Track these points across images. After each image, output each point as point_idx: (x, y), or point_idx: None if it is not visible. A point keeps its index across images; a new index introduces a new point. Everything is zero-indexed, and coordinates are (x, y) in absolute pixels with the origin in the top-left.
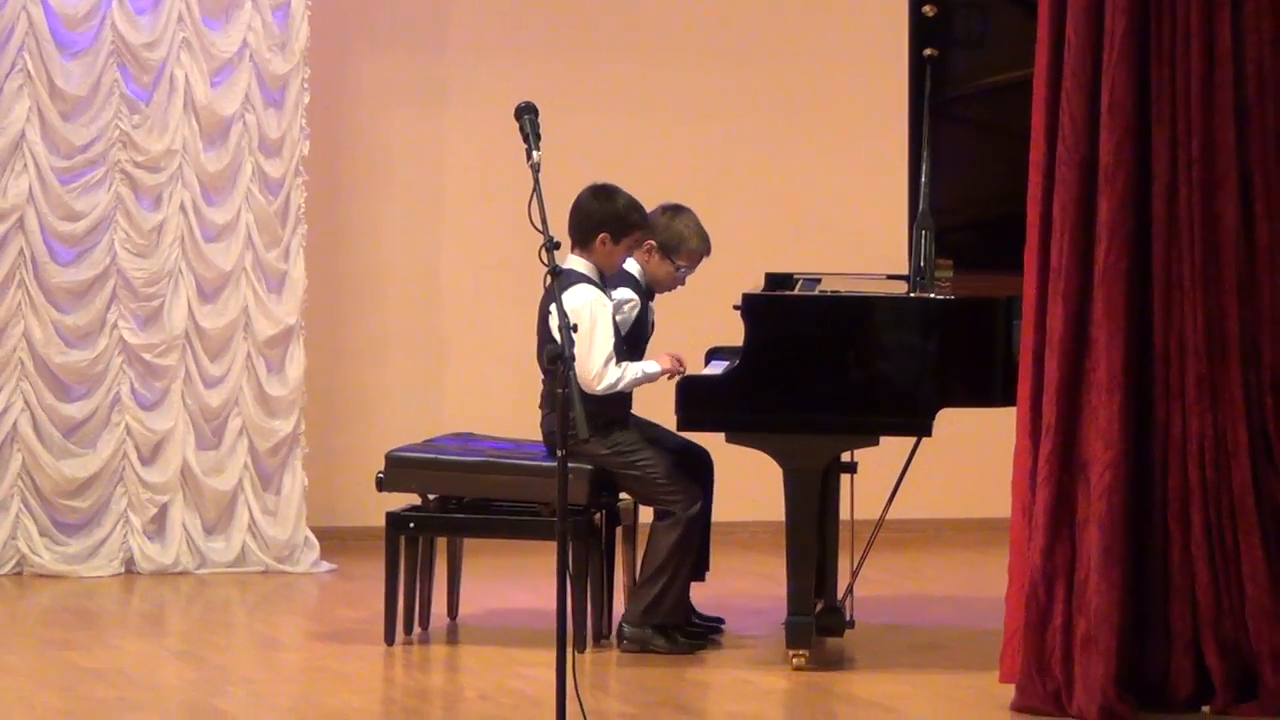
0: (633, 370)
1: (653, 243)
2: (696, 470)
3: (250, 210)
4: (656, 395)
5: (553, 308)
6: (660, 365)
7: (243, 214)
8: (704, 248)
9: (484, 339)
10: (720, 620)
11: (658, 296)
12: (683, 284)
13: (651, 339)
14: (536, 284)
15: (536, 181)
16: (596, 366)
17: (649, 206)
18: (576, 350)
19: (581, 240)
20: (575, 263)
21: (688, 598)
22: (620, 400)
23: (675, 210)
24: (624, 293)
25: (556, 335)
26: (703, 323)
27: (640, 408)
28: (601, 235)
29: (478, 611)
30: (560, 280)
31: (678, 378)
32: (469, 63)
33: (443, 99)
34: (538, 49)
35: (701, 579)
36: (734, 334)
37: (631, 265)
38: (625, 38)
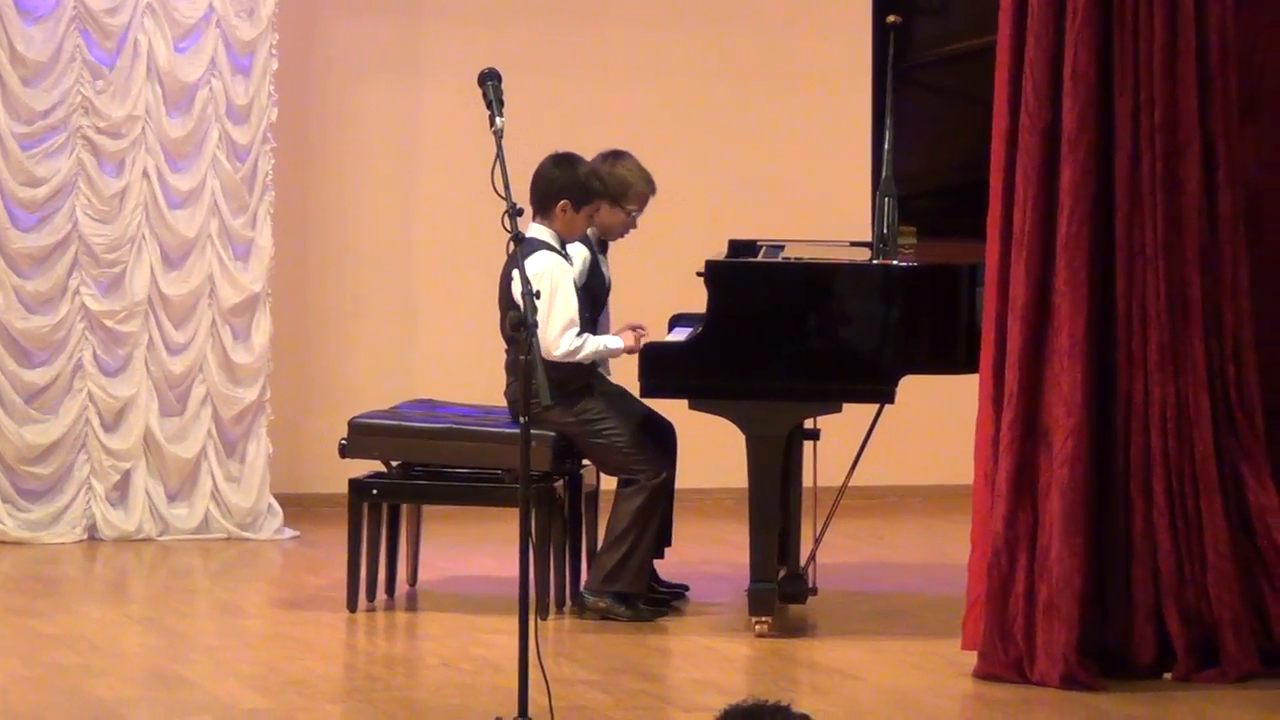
0: (593, 342)
1: (565, 202)
2: (663, 442)
3: (216, 177)
4: (621, 360)
5: (515, 274)
6: (623, 341)
7: (208, 180)
8: (650, 188)
9: (453, 307)
10: (684, 587)
11: (613, 249)
12: (635, 227)
13: (611, 296)
14: (500, 251)
15: (500, 148)
16: (555, 333)
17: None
18: (538, 316)
19: (542, 208)
20: (537, 230)
21: (649, 566)
22: (587, 368)
23: (615, 156)
24: (573, 248)
25: (519, 301)
26: (666, 289)
27: (618, 376)
28: (562, 203)
29: (440, 578)
30: (522, 248)
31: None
32: (440, 29)
33: (413, 65)
34: (508, 15)
35: (660, 555)
36: (697, 301)
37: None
38: (595, 3)
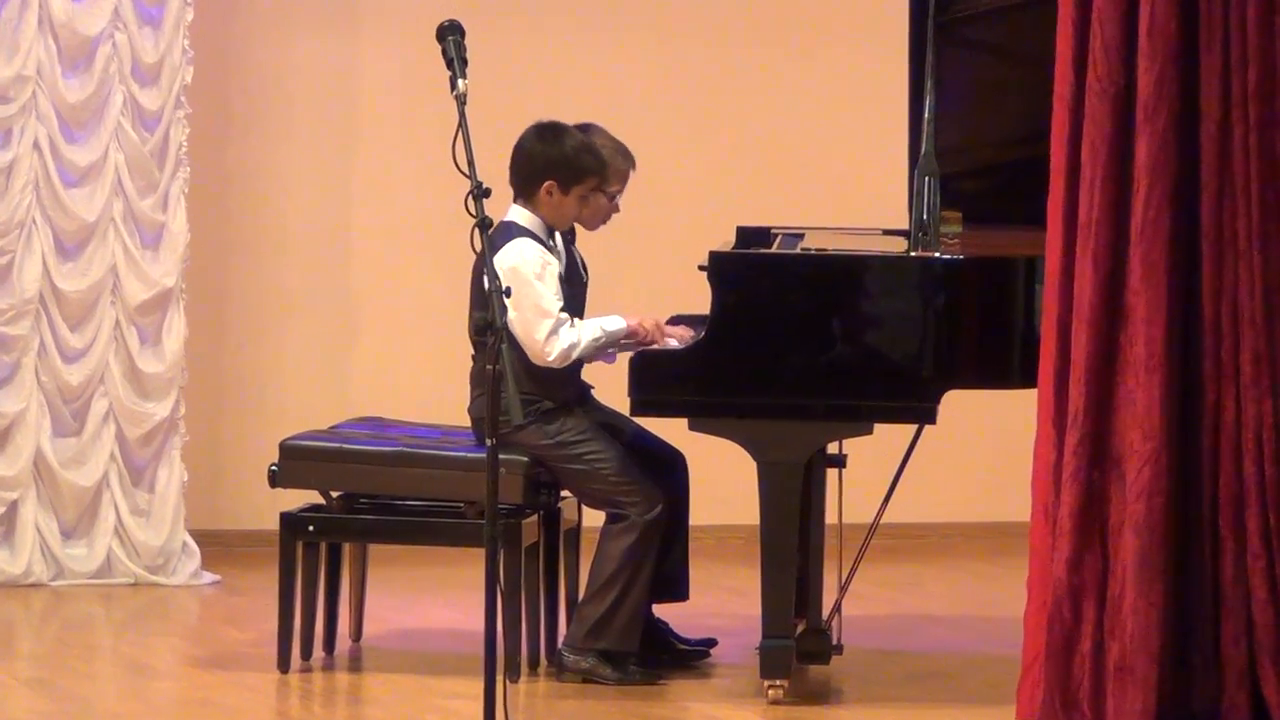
0: (589, 330)
1: (551, 183)
2: (660, 469)
3: (121, 149)
4: (612, 375)
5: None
6: (626, 322)
7: (111, 153)
8: (630, 163)
9: (403, 306)
10: (710, 642)
11: (592, 236)
12: (618, 210)
13: (591, 292)
14: (466, 240)
15: (462, 115)
16: (543, 333)
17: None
18: (518, 316)
19: (524, 189)
20: (517, 214)
21: (643, 619)
22: (566, 380)
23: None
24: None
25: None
26: (662, 286)
27: (602, 391)
28: (547, 183)
29: (389, 632)
30: (496, 235)
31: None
32: None
33: (354, 18)
34: None
35: (684, 597)
36: (700, 300)
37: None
38: None
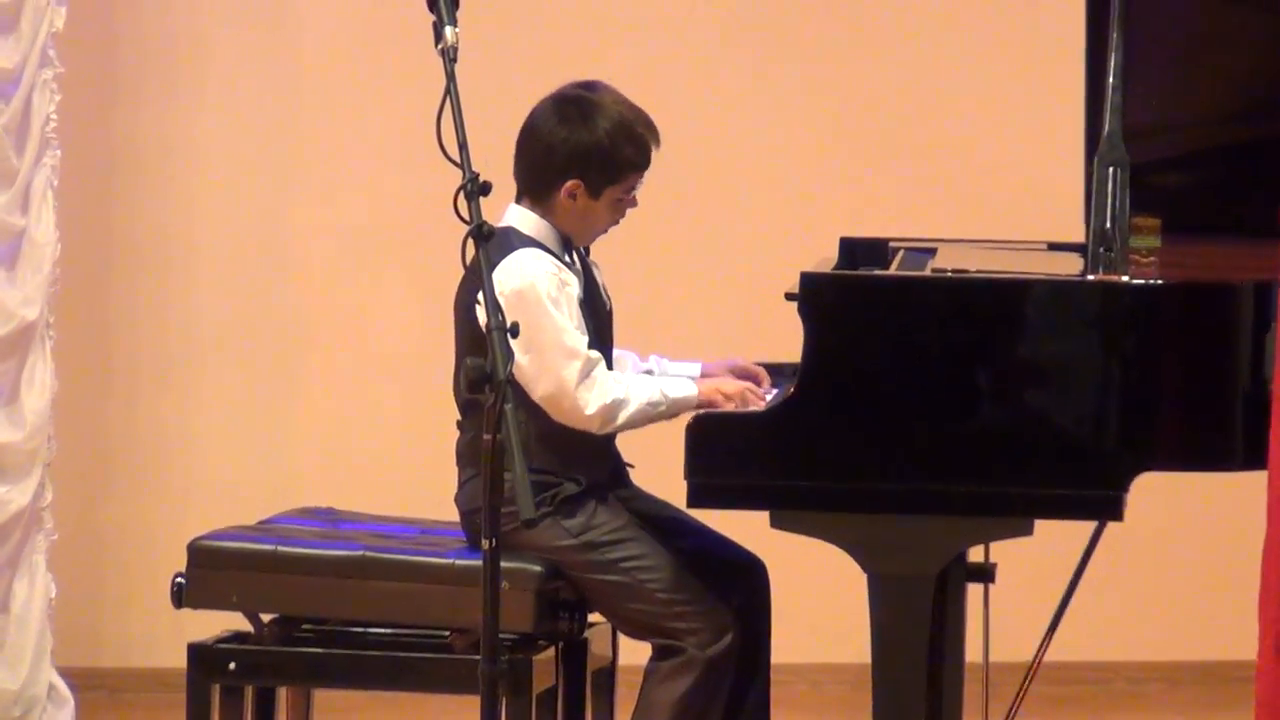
0: (645, 388)
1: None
2: (730, 584)
3: None
4: (660, 449)
5: (481, 296)
6: (699, 390)
7: None
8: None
9: (364, 347)
10: None
11: (631, 253)
12: (634, 205)
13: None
14: (454, 253)
15: (451, 79)
16: (574, 379)
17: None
18: (532, 360)
19: (535, 188)
20: (519, 218)
21: None
22: (596, 453)
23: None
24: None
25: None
26: (731, 323)
27: (646, 473)
28: (570, 184)
29: None
30: (490, 247)
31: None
32: None
33: None
34: None
35: None
36: (787, 342)
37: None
38: None
